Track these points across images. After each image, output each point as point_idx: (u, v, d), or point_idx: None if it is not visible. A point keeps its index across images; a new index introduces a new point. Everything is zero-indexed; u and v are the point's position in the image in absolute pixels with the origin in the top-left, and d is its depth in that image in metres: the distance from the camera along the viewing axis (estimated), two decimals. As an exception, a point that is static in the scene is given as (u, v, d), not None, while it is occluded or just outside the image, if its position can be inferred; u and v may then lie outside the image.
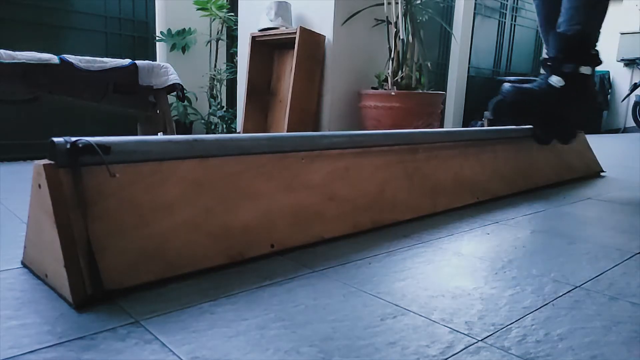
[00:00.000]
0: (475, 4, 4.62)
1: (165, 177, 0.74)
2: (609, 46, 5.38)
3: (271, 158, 0.88)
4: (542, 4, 1.63)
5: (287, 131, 2.62)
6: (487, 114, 4.64)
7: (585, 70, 1.43)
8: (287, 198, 0.88)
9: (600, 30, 1.49)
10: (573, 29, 1.43)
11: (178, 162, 0.76)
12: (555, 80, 1.43)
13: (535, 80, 1.53)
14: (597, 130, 5.31)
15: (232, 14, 3.84)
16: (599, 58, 1.48)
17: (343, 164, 0.99)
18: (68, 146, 0.64)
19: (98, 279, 0.63)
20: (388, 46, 2.62)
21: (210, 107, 4.03)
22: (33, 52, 1.98)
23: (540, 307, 0.64)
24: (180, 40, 3.89)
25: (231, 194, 0.81)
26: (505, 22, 5.26)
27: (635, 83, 4.90)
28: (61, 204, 0.63)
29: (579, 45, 1.44)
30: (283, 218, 0.86)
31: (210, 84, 4.02)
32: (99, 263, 0.63)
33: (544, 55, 1.53)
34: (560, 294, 0.68)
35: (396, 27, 2.57)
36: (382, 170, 1.07)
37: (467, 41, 4.63)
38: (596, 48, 1.48)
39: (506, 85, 1.44)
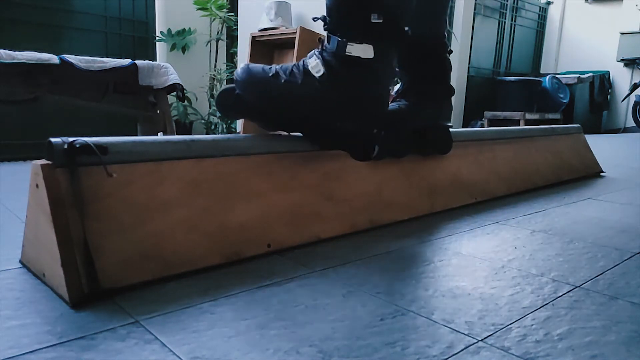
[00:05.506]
0: (475, 4, 4.62)
1: (162, 177, 0.74)
2: (609, 46, 5.38)
3: (268, 158, 0.88)
4: None
5: (287, 131, 2.62)
6: (487, 114, 4.64)
7: (358, 50, 0.88)
8: (284, 198, 0.88)
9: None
10: None
11: (175, 163, 0.76)
12: (313, 64, 0.90)
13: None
14: (597, 130, 5.31)
15: (232, 14, 3.84)
16: (399, 32, 0.91)
17: (340, 164, 0.99)
18: (65, 146, 0.64)
19: (95, 277, 0.63)
20: (388, 46, 2.61)
21: (210, 107, 4.03)
22: (33, 52, 1.99)
23: (540, 307, 0.64)
24: (180, 40, 3.90)
25: (228, 194, 0.81)
26: (505, 22, 5.26)
27: (635, 83, 4.90)
28: (58, 204, 0.63)
29: (353, 3, 0.88)
30: (280, 218, 0.86)
31: (210, 84, 4.02)
32: (95, 262, 0.63)
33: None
34: (560, 294, 0.68)
35: (396, 27, 2.57)
36: (379, 170, 1.07)
37: (467, 41, 4.63)
38: (400, 18, 0.90)
39: (239, 69, 0.94)
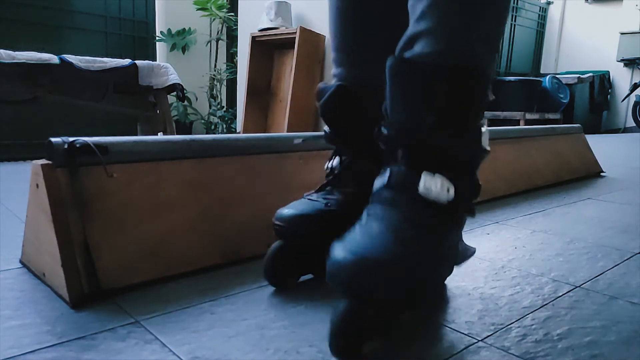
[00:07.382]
0: (475, 4, 4.61)
1: (162, 177, 0.74)
2: (609, 46, 5.38)
3: (268, 158, 0.88)
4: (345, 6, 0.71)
5: (287, 131, 2.62)
6: (487, 114, 4.63)
7: (486, 140, 0.59)
8: (284, 198, 0.88)
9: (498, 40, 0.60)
10: (443, 49, 0.54)
11: (175, 163, 0.76)
12: (437, 185, 0.54)
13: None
14: (597, 130, 5.31)
15: (232, 14, 3.84)
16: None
17: (343, 163, 0.99)
18: (65, 146, 0.64)
19: (95, 278, 0.63)
20: (388, 46, 2.61)
21: (210, 107, 4.03)
22: (33, 52, 1.99)
23: (540, 307, 0.64)
24: (180, 40, 3.90)
25: (228, 194, 0.81)
26: (505, 22, 5.25)
27: (635, 83, 4.90)
28: (58, 204, 0.63)
29: (471, 81, 0.55)
30: (282, 218, 0.86)
31: (210, 84, 4.02)
32: (95, 262, 0.63)
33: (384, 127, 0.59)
34: (560, 294, 0.68)
35: (396, 27, 2.56)
36: (381, 170, 1.06)
37: (467, 41, 4.62)
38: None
39: (338, 262, 0.49)
